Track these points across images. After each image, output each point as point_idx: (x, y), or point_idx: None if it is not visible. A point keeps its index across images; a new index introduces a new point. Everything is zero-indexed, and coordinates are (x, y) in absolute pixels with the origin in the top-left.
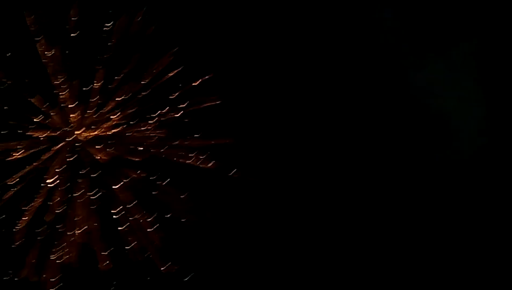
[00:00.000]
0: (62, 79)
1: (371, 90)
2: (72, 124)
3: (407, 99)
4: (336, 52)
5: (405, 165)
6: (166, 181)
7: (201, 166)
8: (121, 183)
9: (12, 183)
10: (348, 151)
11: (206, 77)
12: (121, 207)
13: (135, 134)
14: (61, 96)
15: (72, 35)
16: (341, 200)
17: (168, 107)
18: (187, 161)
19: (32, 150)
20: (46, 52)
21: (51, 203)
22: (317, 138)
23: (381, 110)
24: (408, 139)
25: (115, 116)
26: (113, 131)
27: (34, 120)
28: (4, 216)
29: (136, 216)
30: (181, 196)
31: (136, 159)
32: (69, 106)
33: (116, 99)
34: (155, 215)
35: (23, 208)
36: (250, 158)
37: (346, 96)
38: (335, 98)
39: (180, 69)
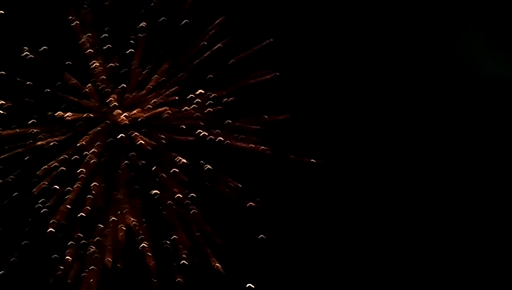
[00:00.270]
0: (99, 60)
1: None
2: (110, 107)
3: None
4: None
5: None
6: (215, 166)
7: (253, 148)
8: (166, 168)
9: (48, 169)
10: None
11: (258, 46)
12: (167, 195)
13: (179, 115)
14: (98, 78)
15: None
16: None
17: (214, 85)
18: (238, 144)
19: (68, 135)
20: (81, 34)
21: (89, 192)
22: (380, 109)
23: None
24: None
25: (157, 96)
26: (155, 112)
27: (71, 102)
28: (39, 206)
29: (183, 206)
30: (233, 183)
31: (181, 143)
32: (107, 87)
33: (157, 77)
34: (205, 204)
35: (60, 197)
36: (309, 140)
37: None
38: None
39: (226, 40)
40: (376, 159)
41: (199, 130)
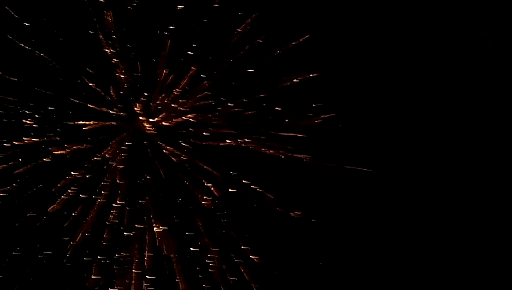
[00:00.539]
0: (122, 67)
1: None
2: (135, 114)
3: None
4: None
5: None
6: (251, 179)
7: (289, 156)
8: (194, 178)
9: (72, 179)
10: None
11: (295, 43)
12: (200, 212)
13: (207, 122)
14: (121, 85)
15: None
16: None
17: (245, 89)
18: (272, 152)
19: (91, 144)
20: (103, 40)
21: (115, 201)
22: (431, 112)
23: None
24: None
25: (184, 103)
26: (181, 120)
27: (94, 110)
28: (63, 216)
29: (218, 224)
30: (271, 197)
31: (210, 151)
32: (131, 95)
33: (184, 83)
34: (234, 215)
35: (84, 207)
36: (352, 146)
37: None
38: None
39: (257, 41)
40: (428, 166)
41: (228, 138)
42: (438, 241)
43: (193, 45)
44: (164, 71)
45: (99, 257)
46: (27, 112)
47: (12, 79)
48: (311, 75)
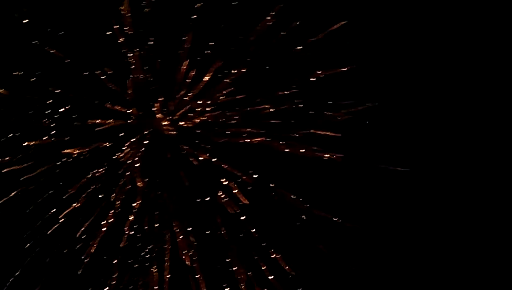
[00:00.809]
0: (140, 64)
1: None
2: (153, 114)
3: None
4: None
5: None
6: (280, 183)
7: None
8: (219, 182)
9: (88, 181)
10: None
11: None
12: (222, 213)
13: (230, 121)
14: (139, 82)
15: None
16: None
17: (271, 86)
18: (299, 152)
19: (107, 144)
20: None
21: (132, 209)
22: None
23: None
24: None
25: (206, 102)
26: (203, 119)
27: (108, 109)
28: (77, 224)
29: (240, 225)
30: (297, 198)
31: (234, 153)
32: (149, 93)
33: (206, 80)
34: (265, 225)
35: (98, 214)
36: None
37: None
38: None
39: (281, 36)
40: (471, 165)
41: (251, 137)
42: (483, 243)
43: (211, 43)
44: (183, 68)
45: (118, 257)
46: (43, 111)
47: (29, 78)
48: (343, 69)
